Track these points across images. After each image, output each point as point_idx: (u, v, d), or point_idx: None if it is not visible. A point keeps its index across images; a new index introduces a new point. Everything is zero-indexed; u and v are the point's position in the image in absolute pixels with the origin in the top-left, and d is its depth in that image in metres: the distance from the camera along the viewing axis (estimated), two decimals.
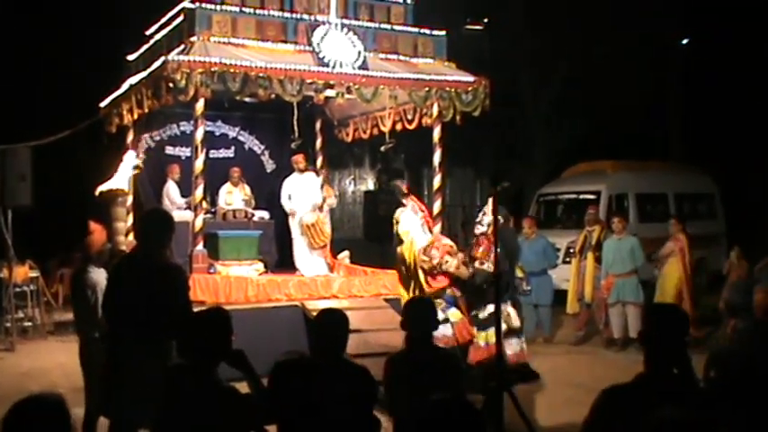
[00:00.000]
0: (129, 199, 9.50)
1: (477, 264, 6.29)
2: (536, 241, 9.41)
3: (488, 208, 6.41)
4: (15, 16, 13.88)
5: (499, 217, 6.29)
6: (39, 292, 10.19)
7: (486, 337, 6.10)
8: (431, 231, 6.68)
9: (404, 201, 6.76)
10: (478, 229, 6.40)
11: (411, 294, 6.61)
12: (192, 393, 3.21)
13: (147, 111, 8.53)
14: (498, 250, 5.26)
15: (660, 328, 2.74)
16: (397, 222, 6.75)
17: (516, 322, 6.23)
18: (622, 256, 8.86)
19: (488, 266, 6.20)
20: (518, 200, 15.51)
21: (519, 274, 9.05)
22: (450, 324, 6.20)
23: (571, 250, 9.68)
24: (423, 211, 6.71)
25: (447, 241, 6.61)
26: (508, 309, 6.09)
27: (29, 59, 14.10)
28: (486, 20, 14.88)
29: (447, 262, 6.36)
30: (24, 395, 2.33)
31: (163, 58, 7.76)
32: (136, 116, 8.99)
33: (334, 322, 3.63)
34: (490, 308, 6.06)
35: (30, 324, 10.10)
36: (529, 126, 16.20)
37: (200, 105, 8.03)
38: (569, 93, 15.51)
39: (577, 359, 8.48)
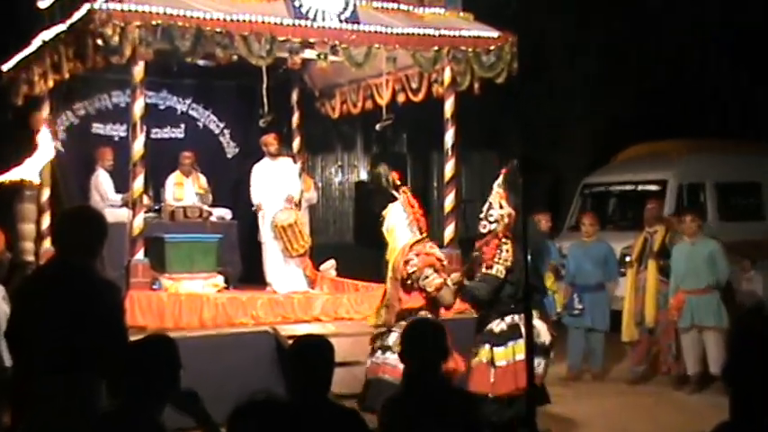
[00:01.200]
0: (46, 193, 9.45)
1: (483, 269, 6.21)
2: (596, 246, 9.33)
3: (495, 197, 6.35)
4: None
5: (510, 210, 6.22)
6: None
7: (506, 355, 6.03)
8: (421, 233, 6.59)
9: (395, 193, 6.71)
10: (484, 227, 6.33)
11: (376, 311, 6.57)
12: None
13: (67, 76, 8.46)
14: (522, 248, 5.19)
15: (751, 361, 2.66)
16: (388, 217, 6.69)
17: (546, 337, 6.17)
18: (697, 265, 8.67)
19: (498, 270, 6.13)
20: (554, 193, 15.45)
21: (550, 285, 9.00)
22: None
23: (627, 258, 9.62)
24: (412, 206, 6.65)
25: (436, 251, 6.51)
26: (535, 321, 6.02)
27: None
28: None
29: (426, 277, 6.27)
30: None
31: (87, 6, 7.69)
32: (52, 83, 8.92)
33: (315, 353, 3.62)
34: (509, 319, 6.00)
35: None
36: (565, 96, 16.18)
37: (138, 70, 7.98)
38: (616, 53, 15.46)
39: (636, 402, 8.42)
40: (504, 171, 6.46)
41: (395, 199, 6.66)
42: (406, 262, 6.28)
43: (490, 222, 6.27)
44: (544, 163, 15.21)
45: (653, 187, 12.46)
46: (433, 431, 3.70)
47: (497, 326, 6.12)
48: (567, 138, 16.35)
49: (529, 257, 5.15)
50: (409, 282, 6.26)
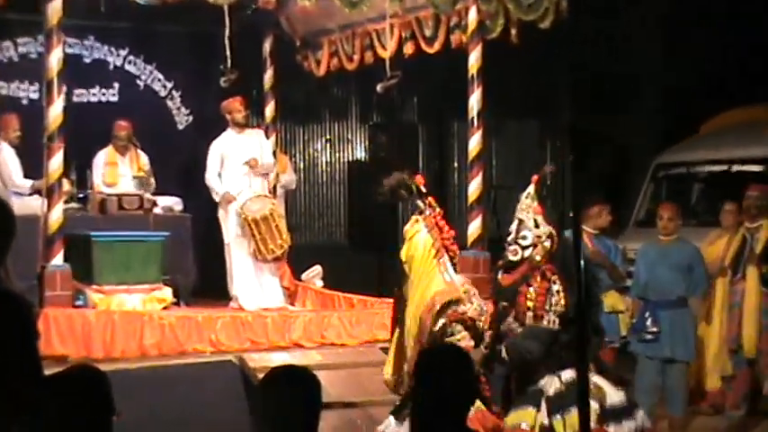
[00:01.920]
0: None
1: (529, 318, 6.22)
2: (677, 247, 9.21)
3: (527, 213, 6.32)
4: None
5: (549, 229, 6.20)
6: None
7: (565, 426, 6.06)
8: (453, 264, 6.56)
9: (420, 204, 6.71)
10: (515, 253, 6.31)
11: (393, 368, 6.60)
12: None
13: None
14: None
15: None
16: (409, 239, 6.66)
17: (616, 397, 6.19)
18: None
19: (550, 320, 6.15)
20: (617, 176, 15.43)
21: (613, 303, 8.96)
22: None
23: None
24: (440, 228, 6.63)
25: (476, 300, 6.51)
26: (594, 378, 6.05)
27: None
28: None
29: (452, 334, 6.31)
30: None
31: None
32: None
33: (294, 390, 3.60)
34: (567, 375, 6.01)
35: None
36: (633, 45, 16.16)
37: (54, 8, 7.98)
38: None
39: None
40: (534, 179, 6.44)
41: (417, 210, 6.63)
42: (437, 314, 6.30)
43: (523, 248, 6.23)
44: (603, 135, 15.19)
45: (755, 167, 12.40)
46: None
47: (551, 384, 6.12)
48: (635, 102, 16.32)
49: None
50: (433, 338, 6.28)
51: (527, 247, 6.19)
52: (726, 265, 9.26)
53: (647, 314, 9.05)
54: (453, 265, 6.53)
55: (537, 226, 6.25)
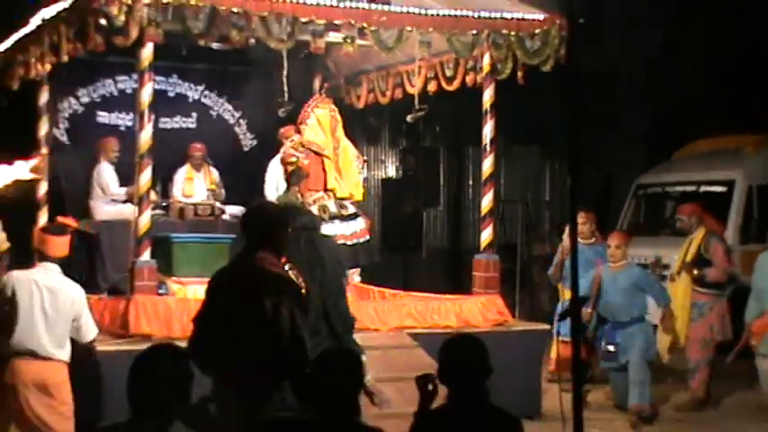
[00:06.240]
0: (43, 187, 9.59)
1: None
2: (626, 270, 8.69)
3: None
4: None
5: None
6: None
7: None
8: None
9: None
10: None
11: None
12: None
13: (66, 59, 8.44)
14: None
15: None
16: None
17: None
18: None
19: None
20: (606, 195, 15.34)
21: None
22: None
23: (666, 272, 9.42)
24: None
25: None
26: None
27: None
28: None
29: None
30: None
31: None
32: (49, 66, 8.97)
33: (335, 367, 3.66)
34: None
35: None
36: (619, 84, 16.04)
37: (146, 53, 8.00)
38: (682, 28, 15.25)
39: None
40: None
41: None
42: None
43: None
44: (593, 158, 15.09)
45: (718, 188, 12.29)
46: None
47: None
48: (621, 129, 16.16)
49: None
50: None
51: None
52: (675, 271, 9.10)
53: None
54: None
55: None
